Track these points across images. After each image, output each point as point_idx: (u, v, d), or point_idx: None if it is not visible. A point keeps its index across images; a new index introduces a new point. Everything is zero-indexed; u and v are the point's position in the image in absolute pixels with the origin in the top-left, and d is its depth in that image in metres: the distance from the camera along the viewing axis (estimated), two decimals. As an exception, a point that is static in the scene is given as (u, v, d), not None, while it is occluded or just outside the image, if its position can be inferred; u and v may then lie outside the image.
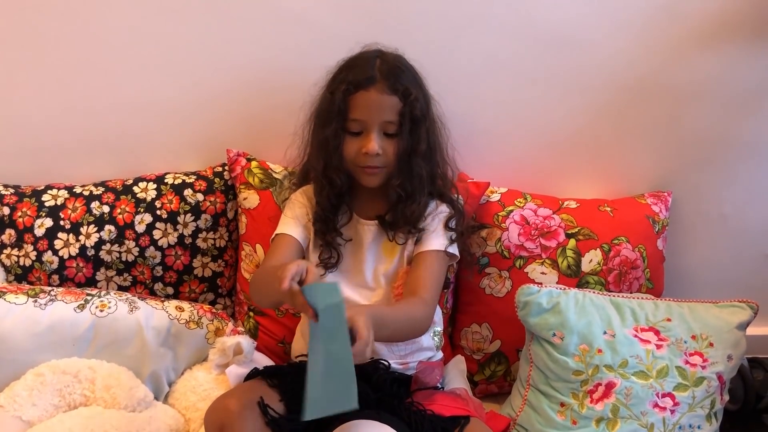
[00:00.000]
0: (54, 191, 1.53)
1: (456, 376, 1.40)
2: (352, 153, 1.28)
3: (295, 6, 1.51)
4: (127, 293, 1.44)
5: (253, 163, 1.54)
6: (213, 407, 1.15)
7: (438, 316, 1.41)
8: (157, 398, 1.35)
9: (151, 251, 1.50)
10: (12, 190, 1.53)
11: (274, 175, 1.53)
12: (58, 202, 1.51)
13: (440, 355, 1.41)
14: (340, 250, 1.33)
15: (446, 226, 1.35)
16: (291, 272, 1.03)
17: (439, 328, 1.41)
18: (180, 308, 1.43)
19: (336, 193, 1.31)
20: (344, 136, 1.27)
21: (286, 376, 1.23)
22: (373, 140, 1.25)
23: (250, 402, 1.14)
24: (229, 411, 1.12)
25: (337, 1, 1.51)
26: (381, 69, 1.26)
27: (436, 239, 1.33)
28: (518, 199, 1.55)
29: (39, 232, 1.48)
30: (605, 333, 1.37)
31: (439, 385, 1.33)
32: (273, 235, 1.35)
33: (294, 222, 1.35)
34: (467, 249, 1.45)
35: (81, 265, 1.49)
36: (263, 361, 1.41)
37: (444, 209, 1.36)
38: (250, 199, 1.52)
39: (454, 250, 1.35)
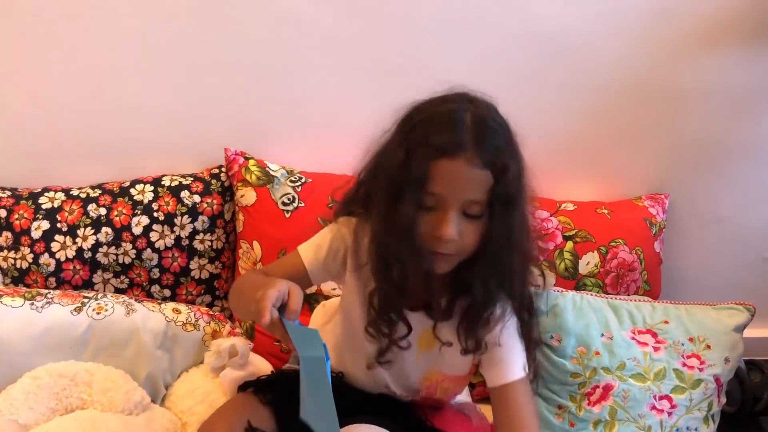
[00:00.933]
0: (51, 194, 1.52)
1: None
2: (422, 232, 0.99)
3: (292, 6, 1.50)
4: (124, 296, 1.44)
5: (251, 161, 1.54)
6: (209, 423, 1.11)
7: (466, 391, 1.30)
8: (153, 401, 1.34)
9: (148, 253, 1.50)
10: (9, 193, 1.52)
11: (272, 172, 1.53)
12: (55, 205, 1.50)
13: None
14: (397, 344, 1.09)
15: (521, 336, 1.11)
16: (271, 300, 0.88)
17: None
18: (177, 310, 1.43)
19: (405, 279, 1.02)
20: (416, 209, 0.99)
21: (279, 390, 1.18)
22: (449, 222, 0.97)
23: (239, 425, 1.10)
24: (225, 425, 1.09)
25: (336, 2, 1.50)
26: (473, 131, 0.97)
27: (520, 359, 1.09)
28: (516, 202, 1.55)
29: (36, 234, 1.48)
30: (603, 335, 1.37)
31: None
32: (295, 249, 1.15)
33: (320, 255, 1.12)
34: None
35: (78, 267, 1.48)
36: (259, 363, 1.40)
37: (510, 312, 1.09)
38: (247, 196, 1.52)
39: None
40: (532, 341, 1.12)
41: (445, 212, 0.98)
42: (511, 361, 1.09)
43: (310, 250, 1.13)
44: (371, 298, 1.07)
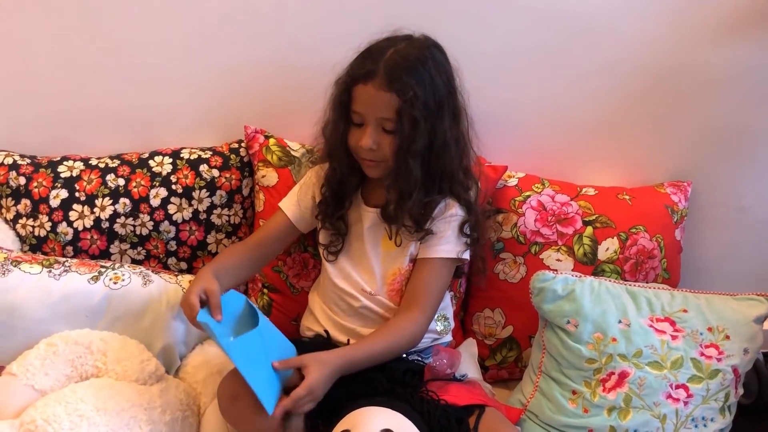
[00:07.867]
0: (70, 163, 1.52)
1: (467, 359, 1.39)
2: (352, 143, 1.28)
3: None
4: (140, 266, 1.44)
5: (271, 141, 1.53)
6: (228, 377, 1.16)
7: (446, 301, 1.39)
8: (168, 372, 1.35)
9: (165, 226, 1.50)
10: (28, 161, 1.53)
11: (293, 153, 1.52)
12: (74, 174, 1.50)
13: (448, 338, 1.39)
14: (343, 236, 1.35)
15: (461, 232, 1.32)
16: (188, 304, 1.16)
17: (445, 313, 1.39)
18: (193, 283, 1.43)
19: (339, 179, 1.32)
20: (349, 125, 1.28)
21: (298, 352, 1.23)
22: (368, 135, 1.25)
23: None
24: (243, 382, 1.12)
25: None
26: (387, 62, 1.22)
27: (446, 245, 1.31)
28: (536, 185, 1.54)
29: (54, 203, 1.48)
30: (620, 322, 1.35)
31: (451, 370, 1.31)
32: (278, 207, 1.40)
33: (295, 201, 1.38)
34: (481, 249, 1.44)
35: (95, 237, 1.49)
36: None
37: (458, 212, 1.32)
38: (268, 176, 1.51)
39: (467, 255, 1.33)
40: (473, 237, 1.33)
41: (365, 127, 1.25)
42: (438, 244, 1.31)
43: (287, 201, 1.39)
44: (322, 189, 1.34)
